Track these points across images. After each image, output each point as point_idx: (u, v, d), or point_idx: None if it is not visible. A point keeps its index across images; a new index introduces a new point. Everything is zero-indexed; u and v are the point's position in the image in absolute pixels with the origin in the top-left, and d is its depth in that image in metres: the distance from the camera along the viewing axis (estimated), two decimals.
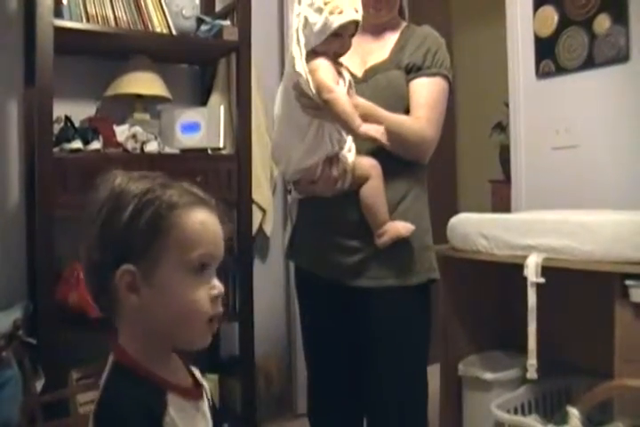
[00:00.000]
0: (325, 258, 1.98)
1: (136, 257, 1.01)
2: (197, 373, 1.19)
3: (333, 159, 1.84)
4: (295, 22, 1.82)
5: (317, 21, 1.78)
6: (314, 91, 1.75)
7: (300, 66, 1.77)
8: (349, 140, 1.87)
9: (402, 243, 1.88)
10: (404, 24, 2.10)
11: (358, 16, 1.80)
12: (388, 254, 1.90)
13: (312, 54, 1.81)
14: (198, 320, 1.05)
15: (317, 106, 1.76)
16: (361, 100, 1.83)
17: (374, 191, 1.87)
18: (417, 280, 1.95)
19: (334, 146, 1.84)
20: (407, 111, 1.95)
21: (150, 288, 1.01)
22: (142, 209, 1.01)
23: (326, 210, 1.95)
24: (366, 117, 1.78)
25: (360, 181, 1.87)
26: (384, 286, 1.92)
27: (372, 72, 2.00)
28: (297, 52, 1.79)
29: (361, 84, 1.96)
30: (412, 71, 1.97)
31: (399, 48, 2.02)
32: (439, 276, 2.04)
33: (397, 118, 1.89)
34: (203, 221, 1.06)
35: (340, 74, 1.83)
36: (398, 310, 1.96)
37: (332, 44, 1.81)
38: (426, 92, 1.96)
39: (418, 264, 1.95)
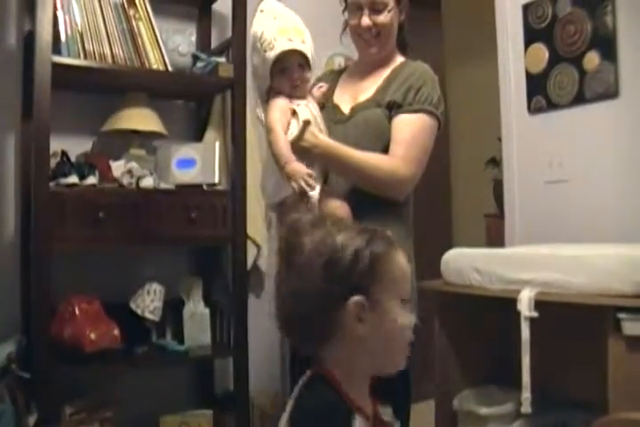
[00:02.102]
0: None
1: (361, 293, 1.12)
2: (380, 408, 1.28)
3: (303, 197, 1.79)
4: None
5: (259, 61, 1.86)
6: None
7: (260, 109, 1.83)
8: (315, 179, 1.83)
9: None
10: (399, 60, 2.09)
11: (293, 44, 1.82)
12: None
13: (272, 93, 1.87)
14: (404, 342, 1.19)
15: None
16: (323, 140, 1.82)
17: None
18: None
19: (286, 193, 1.84)
20: (386, 150, 1.94)
21: (374, 318, 1.13)
22: (360, 258, 1.14)
23: None
24: (327, 158, 1.82)
25: None
26: None
27: (355, 110, 2.01)
28: (256, 95, 1.89)
29: (345, 123, 1.99)
30: (394, 108, 1.95)
31: (385, 85, 2.01)
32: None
33: (365, 158, 1.86)
34: (404, 263, 1.21)
35: (293, 113, 1.83)
36: None
37: (282, 79, 1.86)
38: (405, 129, 1.92)
39: None
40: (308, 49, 1.88)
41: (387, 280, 1.15)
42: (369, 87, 2.05)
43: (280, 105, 1.85)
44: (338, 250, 1.13)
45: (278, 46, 1.82)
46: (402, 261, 1.20)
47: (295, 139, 1.80)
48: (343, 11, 2.08)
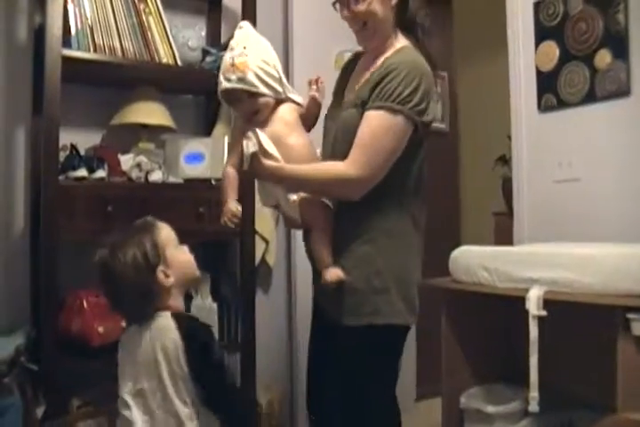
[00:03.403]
0: (316, 287, 2.07)
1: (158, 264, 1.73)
2: None
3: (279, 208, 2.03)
4: None
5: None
6: None
7: None
8: (282, 197, 1.96)
9: (345, 285, 1.87)
10: (393, 49, 1.96)
11: (227, 85, 1.90)
12: (335, 294, 1.90)
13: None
14: (191, 264, 1.85)
15: None
16: (268, 166, 1.84)
17: (314, 240, 1.94)
18: (353, 323, 1.89)
19: (273, 201, 2.02)
20: None
21: (171, 267, 1.74)
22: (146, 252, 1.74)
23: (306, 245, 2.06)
24: (276, 180, 1.89)
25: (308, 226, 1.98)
26: (337, 323, 1.93)
27: (343, 109, 1.98)
28: None
29: (333, 122, 2.00)
30: (363, 106, 1.88)
31: (366, 81, 1.93)
32: (388, 321, 1.88)
33: (311, 169, 1.88)
34: (162, 231, 1.83)
35: (248, 138, 1.89)
36: (340, 350, 1.96)
37: (237, 111, 2.02)
38: (363, 128, 1.84)
39: (360, 307, 1.88)
40: (247, 82, 1.90)
41: (161, 246, 1.72)
42: (362, 80, 1.99)
43: (234, 135, 2.01)
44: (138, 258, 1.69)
45: (220, 85, 1.94)
46: (161, 232, 1.77)
47: (244, 169, 1.89)
48: (333, 4, 1.99)
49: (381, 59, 1.95)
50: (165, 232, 1.78)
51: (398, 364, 2.01)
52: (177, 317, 1.68)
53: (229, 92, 1.94)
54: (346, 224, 1.91)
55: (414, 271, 1.96)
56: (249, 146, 1.86)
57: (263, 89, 1.92)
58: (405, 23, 2.00)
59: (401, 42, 1.98)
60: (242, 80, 1.89)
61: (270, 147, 1.89)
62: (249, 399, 2.84)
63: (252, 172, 1.86)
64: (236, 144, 1.96)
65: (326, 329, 2.05)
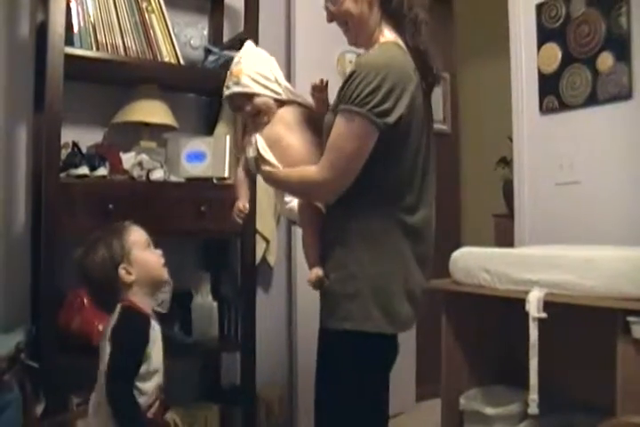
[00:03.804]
0: None
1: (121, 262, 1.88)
2: None
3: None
4: None
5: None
6: None
7: None
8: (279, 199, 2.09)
9: (324, 288, 1.88)
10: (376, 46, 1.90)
11: (226, 91, 1.99)
12: (321, 297, 1.91)
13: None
14: (157, 264, 1.97)
15: None
16: (265, 170, 1.94)
17: (302, 240, 1.99)
18: (329, 326, 1.87)
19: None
20: None
21: (135, 266, 1.89)
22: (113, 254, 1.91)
23: None
24: (267, 181, 1.99)
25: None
26: (323, 327, 1.92)
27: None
28: None
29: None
30: (333, 111, 1.86)
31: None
32: (359, 328, 1.81)
33: (288, 173, 1.92)
34: (132, 234, 1.97)
35: (250, 143, 1.99)
36: (319, 352, 1.96)
37: (242, 116, 2.07)
38: (331, 133, 1.81)
39: (335, 311, 1.85)
40: (242, 85, 1.96)
41: (128, 247, 1.88)
42: None
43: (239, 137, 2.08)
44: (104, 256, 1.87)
45: (224, 96, 2.04)
46: (131, 234, 1.92)
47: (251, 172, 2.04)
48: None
49: None
50: (135, 235, 1.93)
51: (377, 375, 1.95)
52: (124, 308, 1.86)
53: (232, 100, 2.01)
54: (327, 227, 1.92)
55: (398, 279, 1.86)
56: (249, 151, 1.97)
57: (258, 89, 1.96)
58: (392, 17, 1.92)
59: (386, 37, 1.91)
60: (237, 84, 1.96)
61: (266, 152, 1.95)
62: (249, 398, 2.84)
63: (256, 175, 2.03)
64: (242, 148, 2.03)
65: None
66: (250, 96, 1.96)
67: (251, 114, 1.98)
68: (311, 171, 1.84)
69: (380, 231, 1.85)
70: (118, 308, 1.86)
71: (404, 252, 1.88)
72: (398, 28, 1.92)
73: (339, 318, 1.83)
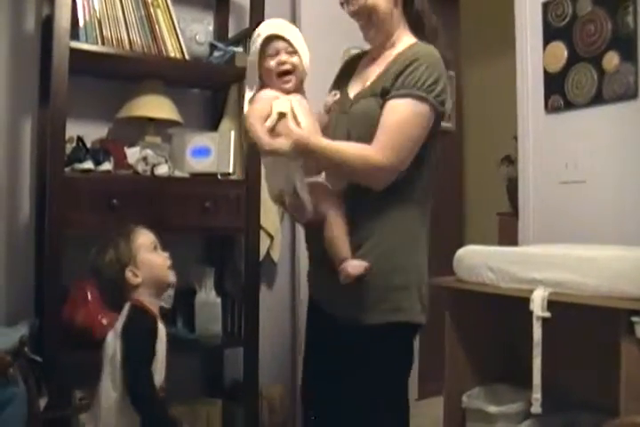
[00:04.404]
0: (316, 285, 2.09)
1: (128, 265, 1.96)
2: None
3: (293, 192, 1.84)
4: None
5: (250, 57, 1.93)
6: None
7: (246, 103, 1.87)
8: (299, 177, 1.84)
9: (363, 281, 1.83)
10: (407, 43, 1.96)
11: (275, 30, 1.88)
12: (352, 292, 1.85)
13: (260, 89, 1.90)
14: (164, 265, 2.04)
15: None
16: (296, 131, 1.75)
17: (330, 229, 1.85)
18: (373, 321, 1.86)
19: (287, 182, 1.84)
20: None
21: (141, 269, 1.96)
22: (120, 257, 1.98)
23: (310, 239, 2.04)
24: (300, 148, 1.75)
25: (321, 214, 1.88)
26: (349, 322, 1.89)
27: (356, 100, 1.95)
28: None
29: (347, 113, 1.95)
30: (385, 94, 1.86)
31: (385, 71, 1.91)
32: (409, 319, 1.88)
33: (342, 147, 1.81)
34: (139, 237, 2.03)
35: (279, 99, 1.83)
36: (355, 349, 1.91)
37: (268, 63, 1.87)
38: (388, 115, 1.82)
39: (379, 304, 1.86)
40: (293, 37, 1.90)
41: (135, 250, 1.95)
42: (373, 73, 1.98)
43: (263, 98, 1.85)
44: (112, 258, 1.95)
45: (263, 33, 1.88)
46: (139, 237, 1.99)
47: (268, 129, 1.78)
48: (341, 3, 2.01)
49: (391, 53, 1.96)
50: (143, 238, 2.01)
51: (411, 367, 2.02)
52: (133, 307, 1.94)
53: (272, 41, 1.88)
54: (362, 218, 1.87)
55: (426, 270, 1.95)
56: (279, 104, 1.80)
57: (303, 50, 1.92)
58: (413, 20, 2.02)
59: (411, 39, 1.98)
60: (289, 33, 1.91)
61: (302, 115, 1.81)
62: (252, 394, 2.84)
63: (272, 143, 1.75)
64: (261, 108, 1.81)
65: (326, 330, 2.03)
66: (293, 50, 1.89)
67: (281, 68, 1.87)
68: (372, 151, 1.80)
69: (416, 222, 1.91)
70: (127, 306, 1.94)
71: (425, 241, 1.96)
72: (417, 32, 2.01)
73: (385, 311, 1.85)
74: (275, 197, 1.98)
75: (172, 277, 2.06)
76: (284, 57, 1.88)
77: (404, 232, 1.89)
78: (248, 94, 1.92)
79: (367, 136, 1.83)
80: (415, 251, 1.92)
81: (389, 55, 1.96)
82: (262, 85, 1.92)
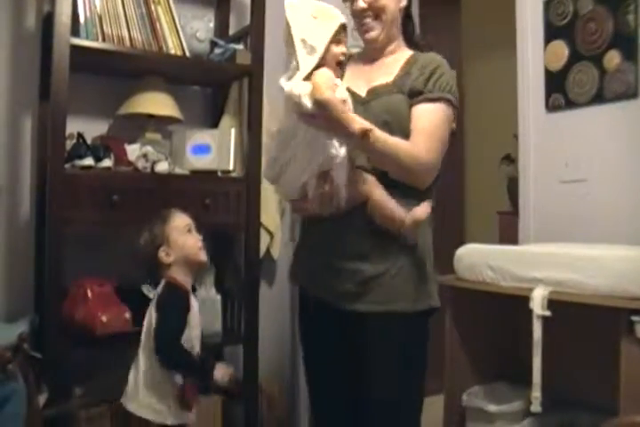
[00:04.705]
0: (323, 281, 1.95)
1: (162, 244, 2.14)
2: None
3: (326, 175, 1.78)
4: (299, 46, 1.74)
5: (315, 26, 1.78)
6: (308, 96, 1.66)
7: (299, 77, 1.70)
8: (342, 156, 1.77)
9: (390, 272, 1.86)
10: (409, 52, 2.04)
11: (343, 19, 1.81)
12: (388, 279, 1.86)
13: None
14: (195, 245, 2.20)
15: (312, 114, 1.68)
16: (357, 119, 1.71)
17: (378, 201, 1.82)
18: (418, 307, 1.89)
19: (327, 159, 1.76)
20: (407, 136, 1.86)
21: (173, 249, 2.13)
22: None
23: (324, 230, 1.94)
24: (372, 143, 1.71)
25: (356, 199, 1.82)
26: (382, 311, 1.87)
27: (374, 94, 1.96)
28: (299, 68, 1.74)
29: (364, 105, 1.92)
30: (415, 96, 1.90)
31: (404, 73, 1.95)
32: (439, 304, 1.95)
33: (395, 140, 1.80)
34: (175, 220, 2.20)
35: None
36: (397, 337, 1.90)
37: (336, 50, 1.78)
38: (426, 117, 1.88)
39: (409, 294, 1.88)
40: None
41: (167, 231, 2.13)
42: (381, 74, 1.99)
43: (329, 76, 1.72)
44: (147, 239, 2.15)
45: (340, 18, 1.80)
46: (173, 220, 2.16)
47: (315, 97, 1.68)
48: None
49: (396, 58, 2.01)
50: (177, 220, 2.18)
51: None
52: (167, 283, 2.12)
53: (344, 29, 1.82)
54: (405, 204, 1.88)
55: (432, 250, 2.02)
56: (339, 91, 1.71)
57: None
58: (408, 33, 2.11)
59: (409, 51, 2.06)
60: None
61: (351, 103, 1.77)
62: (252, 391, 2.83)
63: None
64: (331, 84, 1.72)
65: (334, 323, 2.01)
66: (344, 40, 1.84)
67: (341, 58, 1.81)
68: (418, 149, 1.83)
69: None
70: (162, 282, 2.14)
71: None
72: (410, 46, 2.09)
73: (415, 299, 1.89)
74: (293, 193, 1.90)
75: (202, 256, 2.20)
76: (343, 49, 1.83)
77: (428, 225, 1.97)
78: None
79: (389, 128, 1.83)
80: (430, 241, 1.99)
81: (393, 59, 2.02)
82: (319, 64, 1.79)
